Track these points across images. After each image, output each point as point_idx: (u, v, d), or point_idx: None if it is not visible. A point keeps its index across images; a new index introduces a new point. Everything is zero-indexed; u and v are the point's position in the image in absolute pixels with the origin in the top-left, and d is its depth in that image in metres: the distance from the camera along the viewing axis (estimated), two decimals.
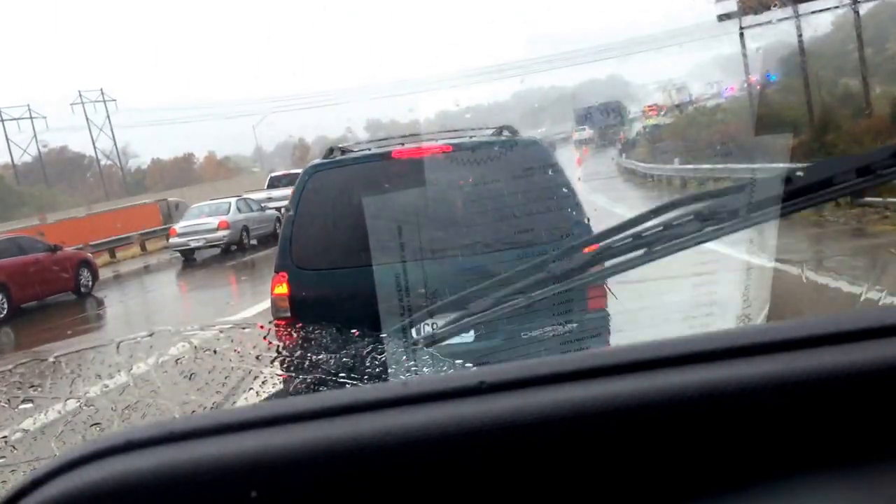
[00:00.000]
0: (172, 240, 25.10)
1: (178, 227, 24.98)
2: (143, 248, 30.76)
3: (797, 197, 1.61)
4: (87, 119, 74.79)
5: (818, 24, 24.15)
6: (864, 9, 24.14)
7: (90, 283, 19.77)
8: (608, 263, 1.80)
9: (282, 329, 3.23)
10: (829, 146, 18.59)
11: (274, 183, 30.34)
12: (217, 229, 24.17)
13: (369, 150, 5.11)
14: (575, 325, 3.73)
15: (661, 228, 1.71)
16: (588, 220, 4.38)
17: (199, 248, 24.27)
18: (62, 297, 18.79)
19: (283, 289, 4.48)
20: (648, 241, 1.71)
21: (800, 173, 1.65)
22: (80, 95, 75.25)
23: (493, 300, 1.86)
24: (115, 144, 78.77)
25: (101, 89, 77.13)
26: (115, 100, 77.69)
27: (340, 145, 5.19)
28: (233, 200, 26.22)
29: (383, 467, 0.79)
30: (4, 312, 16.70)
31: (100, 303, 18.63)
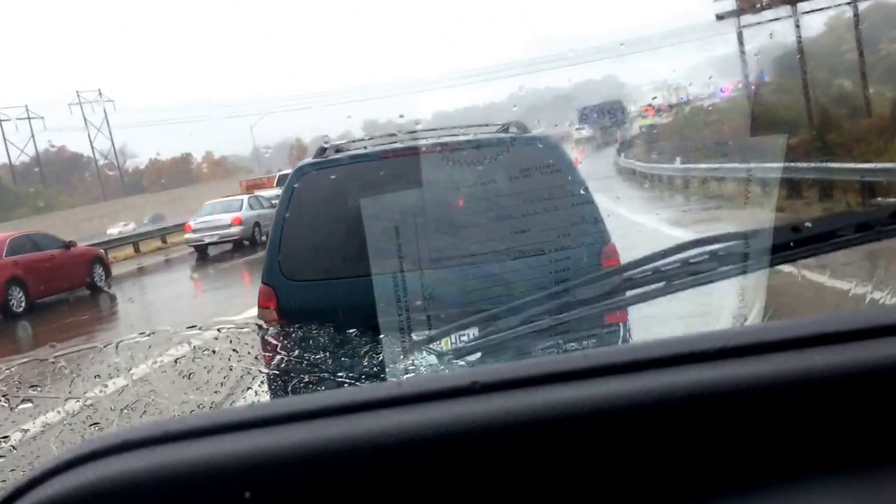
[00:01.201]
0: (188, 235, 25.98)
1: (193, 223, 25.89)
2: (137, 248, 30.59)
3: (801, 246, 1.78)
4: (84, 119, 74.63)
5: (811, 26, 24.14)
6: (858, 9, 24.12)
7: (103, 280, 20.06)
8: (629, 293, 1.91)
9: (279, 329, 3.20)
10: (831, 145, 18.47)
11: (283, 181, 30.99)
12: (230, 225, 25.13)
13: (365, 148, 4.75)
14: (592, 340, 3.40)
15: (679, 265, 1.83)
16: (604, 225, 4.10)
17: (213, 244, 25.24)
18: (76, 293, 19.17)
19: (270, 302, 4.13)
20: (668, 275, 1.83)
21: (808, 224, 1.82)
22: (78, 96, 75.10)
23: (518, 320, 1.93)
24: (113, 145, 78.62)
25: (99, 90, 77.12)
26: (112, 100, 77.59)
27: (334, 143, 4.83)
28: (245, 198, 27.19)
29: (378, 467, 0.80)
30: (22, 307, 16.97)
31: (112, 298, 19.07)
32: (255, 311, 4.15)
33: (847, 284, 7.86)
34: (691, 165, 22.21)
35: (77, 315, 16.64)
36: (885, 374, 0.82)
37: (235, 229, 25.13)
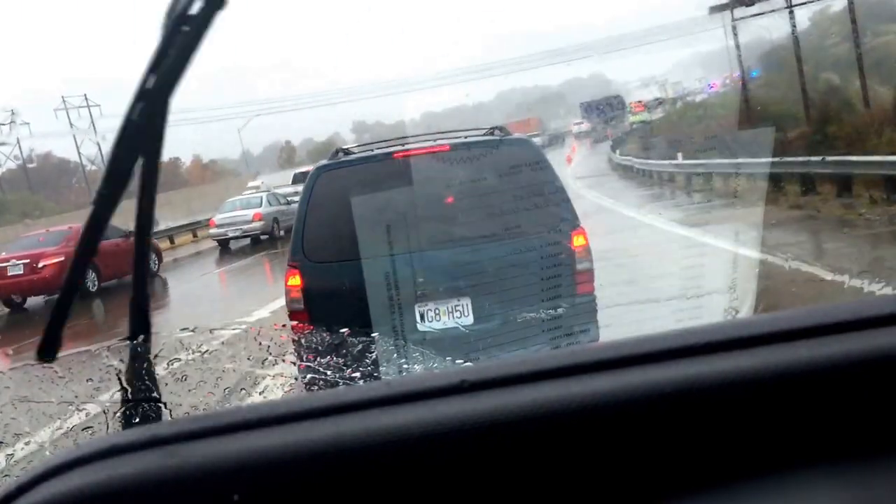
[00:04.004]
0: (212, 230, 27.59)
1: (217, 218, 27.36)
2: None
3: None
4: (70, 125, 73.87)
5: (796, 21, 24.10)
6: (842, 4, 24.09)
7: (156, 266, 22.13)
8: None
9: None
10: (832, 138, 18.02)
11: (297, 179, 32.43)
12: (252, 221, 26.61)
13: (371, 151, 5.43)
14: (566, 307, 4.11)
15: None
16: (574, 213, 4.75)
17: (235, 238, 26.70)
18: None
19: (296, 280, 4.80)
20: None
21: None
22: (64, 101, 74.30)
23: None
24: (100, 150, 77.58)
25: (85, 95, 76.32)
26: (98, 105, 76.68)
27: (344, 147, 5.55)
28: (264, 195, 28.83)
29: (367, 467, 0.80)
30: (95, 287, 19.25)
31: (164, 283, 21.22)
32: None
33: (840, 276, 7.78)
34: (694, 161, 20.98)
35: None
36: (870, 365, 0.82)
37: (257, 224, 26.58)
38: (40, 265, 18.88)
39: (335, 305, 4.48)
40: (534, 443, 0.80)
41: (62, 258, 18.88)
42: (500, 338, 4.21)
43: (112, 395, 2.37)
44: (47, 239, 20.14)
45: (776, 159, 13.42)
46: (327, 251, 4.83)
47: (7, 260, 19.33)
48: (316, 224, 4.89)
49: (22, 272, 18.95)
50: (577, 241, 4.62)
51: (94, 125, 74.84)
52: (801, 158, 14.68)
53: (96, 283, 19.51)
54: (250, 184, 45.36)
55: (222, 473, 0.79)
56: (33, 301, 19.80)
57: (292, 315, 4.80)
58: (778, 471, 0.80)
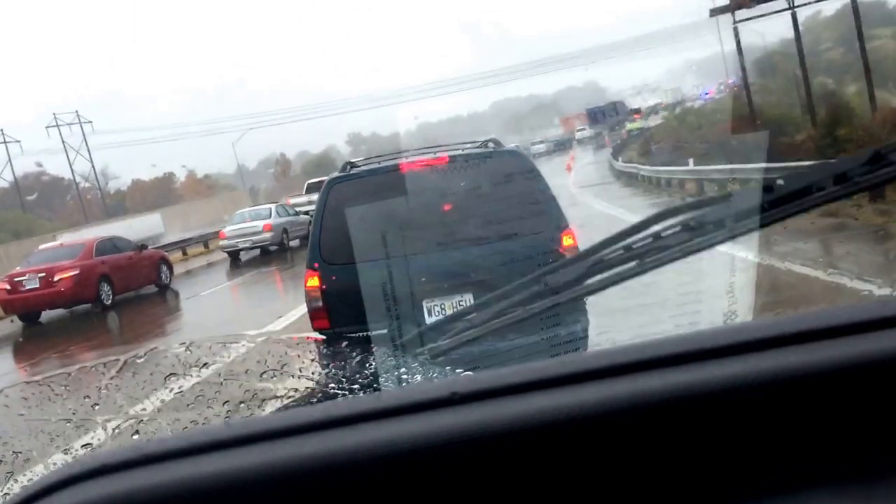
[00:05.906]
0: (222, 242, 27.88)
1: (227, 230, 27.71)
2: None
3: (777, 206, 1.65)
4: (62, 142, 73.50)
5: (789, 26, 24.23)
6: (833, 9, 24.20)
7: (168, 278, 22.92)
8: (601, 276, 1.80)
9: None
10: (843, 141, 17.79)
11: (311, 189, 32.87)
12: (262, 232, 26.86)
13: (378, 164, 6.00)
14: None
15: (650, 240, 1.73)
16: (563, 215, 5.25)
17: (246, 249, 26.99)
18: (146, 290, 21.91)
19: (314, 282, 5.28)
20: (639, 253, 1.73)
21: (780, 181, 1.69)
22: (55, 118, 73.96)
23: (491, 313, 1.89)
24: (93, 166, 76.91)
25: (77, 111, 75.93)
26: (91, 121, 76.15)
27: (351, 161, 6.18)
28: (273, 206, 29.25)
29: (357, 483, 0.79)
30: (111, 300, 19.91)
31: (176, 294, 21.75)
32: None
33: (839, 278, 7.76)
34: (710, 167, 20.28)
35: (151, 307, 19.70)
36: (865, 370, 0.82)
37: (267, 235, 26.82)
38: (56, 279, 19.10)
39: (351, 303, 4.65)
40: (525, 454, 0.80)
41: (77, 272, 19.27)
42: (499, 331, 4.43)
43: (109, 411, 2.36)
44: (63, 252, 20.53)
45: (810, 162, 13.13)
46: (342, 254, 5.17)
47: (23, 274, 19.54)
48: (331, 230, 5.31)
49: (38, 286, 19.24)
50: (566, 240, 5.10)
51: (86, 141, 74.68)
52: (818, 163, 14.12)
53: (111, 296, 19.96)
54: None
55: (211, 491, 0.79)
56: (48, 315, 20.00)
57: (312, 314, 5.24)
58: (774, 478, 0.80)
